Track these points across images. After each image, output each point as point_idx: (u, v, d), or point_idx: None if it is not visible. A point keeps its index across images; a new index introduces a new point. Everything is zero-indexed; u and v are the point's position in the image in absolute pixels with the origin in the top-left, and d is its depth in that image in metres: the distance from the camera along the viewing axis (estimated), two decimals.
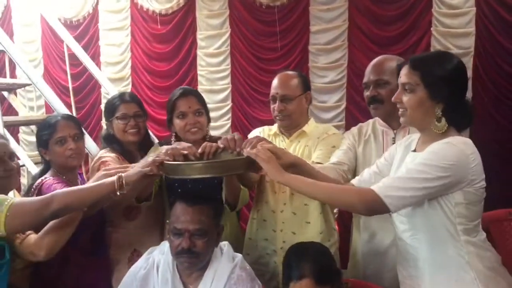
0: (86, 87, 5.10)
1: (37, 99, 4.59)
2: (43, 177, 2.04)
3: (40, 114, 4.85)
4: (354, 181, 1.82)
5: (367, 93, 2.08)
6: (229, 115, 4.78)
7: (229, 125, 4.78)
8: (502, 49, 3.91)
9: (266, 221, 2.18)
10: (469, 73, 4.03)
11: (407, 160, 1.63)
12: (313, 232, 2.09)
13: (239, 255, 1.82)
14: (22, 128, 4.98)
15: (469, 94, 3.95)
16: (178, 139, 2.21)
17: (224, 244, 1.84)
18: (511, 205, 2.72)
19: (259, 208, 2.21)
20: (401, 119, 1.61)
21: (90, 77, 4.50)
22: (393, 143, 1.95)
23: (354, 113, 4.31)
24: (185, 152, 1.71)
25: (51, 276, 1.96)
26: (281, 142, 2.23)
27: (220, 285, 1.70)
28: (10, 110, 4.84)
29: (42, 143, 2.08)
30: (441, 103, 1.53)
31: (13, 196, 1.99)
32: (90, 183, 1.78)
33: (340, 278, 1.77)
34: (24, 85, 4.37)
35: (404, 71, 1.57)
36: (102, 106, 5.10)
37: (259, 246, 2.21)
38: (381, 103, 2.01)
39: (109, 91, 3.91)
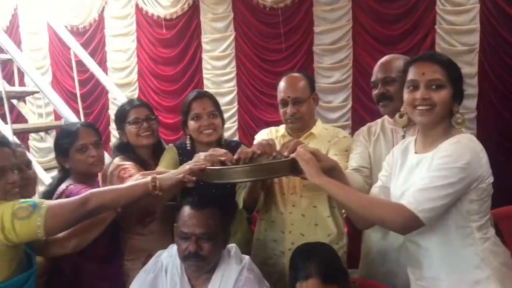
0: (94, 93, 5.16)
1: (45, 106, 4.64)
2: (64, 185, 2.04)
3: (49, 120, 4.91)
4: None
5: (375, 92, 2.09)
6: (236, 117, 4.81)
7: (235, 127, 4.81)
8: (507, 44, 3.91)
9: (274, 222, 2.17)
10: (475, 69, 4.03)
11: (410, 163, 1.61)
12: (322, 234, 2.07)
13: (247, 257, 1.83)
14: (32, 135, 5.03)
15: (475, 90, 4.00)
16: (193, 141, 2.24)
17: (232, 246, 1.85)
18: None
19: (268, 209, 2.20)
20: (421, 118, 1.54)
21: (97, 83, 4.55)
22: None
23: (360, 113, 4.32)
24: (223, 158, 1.72)
25: (64, 285, 1.96)
26: None
27: (228, 287, 1.70)
28: (19, 118, 4.90)
29: (62, 151, 2.07)
30: (457, 102, 1.54)
31: None
32: (128, 183, 1.80)
33: (347, 277, 1.76)
34: (32, 93, 4.43)
35: (429, 67, 1.53)
36: (110, 112, 5.16)
37: (267, 247, 2.20)
38: (390, 100, 2.01)
39: (116, 96, 3.96)
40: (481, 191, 1.48)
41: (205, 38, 4.80)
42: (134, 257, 2.11)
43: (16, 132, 3.46)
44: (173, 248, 1.82)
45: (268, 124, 2.72)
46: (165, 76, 4.99)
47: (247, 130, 4.71)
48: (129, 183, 1.78)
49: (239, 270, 1.74)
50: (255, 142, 2.26)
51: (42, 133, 4.38)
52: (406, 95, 1.58)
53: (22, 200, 1.61)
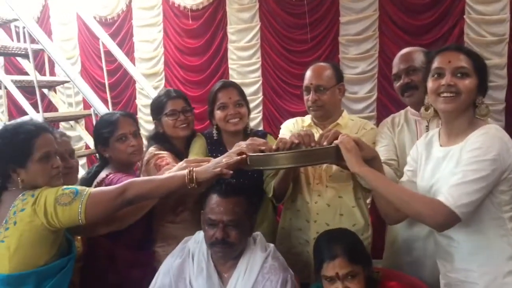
0: (121, 83, 5.24)
1: (75, 95, 4.74)
2: (103, 173, 2.09)
3: (79, 110, 5.02)
4: None
5: (398, 83, 2.09)
6: (260, 107, 4.82)
7: (260, 117, 4.83)
8: None
9: (299, 211, 2.19)
10: (504, 60, 3.94)
11: (435, 155, 1.61)
12: (347, 225, 2.07)
13: (272, 245, 1.86)
14: (62, 124, 5.15)
15: (504, 81, 3.92)
16: (219, 131, 2.28)
17: (257, 234, 1.89)
18: None
19: (293, 199, 2.21)
20: (445, 106, 1.53)
21: (125, 73, 4.64)
22: (426, 131, 1.93)
23: (386, 104, 4.28)
24: (263, 148, 1.74)
25: (98, 271, 2.02)
26: (315, 134, 2.24)
27: (253, 274, 1.74)
28: (50, 107, 5.03)
29: (102, 141, 2.13)
30: (481, 94, 1.53)
31: None
32: (165, 174, 1.83)
33: (371, 263, 1.78)
34: (62, 82, 4.55)
35: (456, 56, 1.52)
36: (137, 101, 5.24)
37: (292, 236, 2.23)
38: (416, 89, 2.02)
39: (143, 86, 4.02)
40: (511, 182, 1.48)
41: (230, 28, 4.81)
42: (166, 244, 2.15)
43: (47, 121, 3.53)
44: (199, 235, 1.87)
45: (293, 115, 2.73)
46: (191, 66, 5.03)
47: (272, 121, 4.72)
48: (166, 174, 1.81)
49: (264, 258, 1.78)
50: (281, 132, 2.29)
51: (72, 122, 4.50)
52: (430, 84, 1.57)
53: (65, 186, 1.66)
